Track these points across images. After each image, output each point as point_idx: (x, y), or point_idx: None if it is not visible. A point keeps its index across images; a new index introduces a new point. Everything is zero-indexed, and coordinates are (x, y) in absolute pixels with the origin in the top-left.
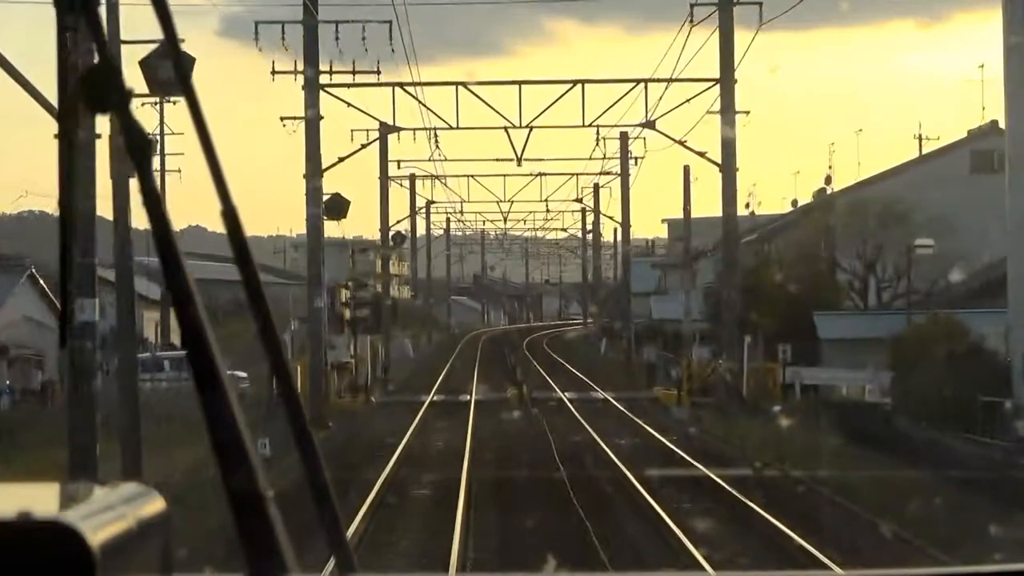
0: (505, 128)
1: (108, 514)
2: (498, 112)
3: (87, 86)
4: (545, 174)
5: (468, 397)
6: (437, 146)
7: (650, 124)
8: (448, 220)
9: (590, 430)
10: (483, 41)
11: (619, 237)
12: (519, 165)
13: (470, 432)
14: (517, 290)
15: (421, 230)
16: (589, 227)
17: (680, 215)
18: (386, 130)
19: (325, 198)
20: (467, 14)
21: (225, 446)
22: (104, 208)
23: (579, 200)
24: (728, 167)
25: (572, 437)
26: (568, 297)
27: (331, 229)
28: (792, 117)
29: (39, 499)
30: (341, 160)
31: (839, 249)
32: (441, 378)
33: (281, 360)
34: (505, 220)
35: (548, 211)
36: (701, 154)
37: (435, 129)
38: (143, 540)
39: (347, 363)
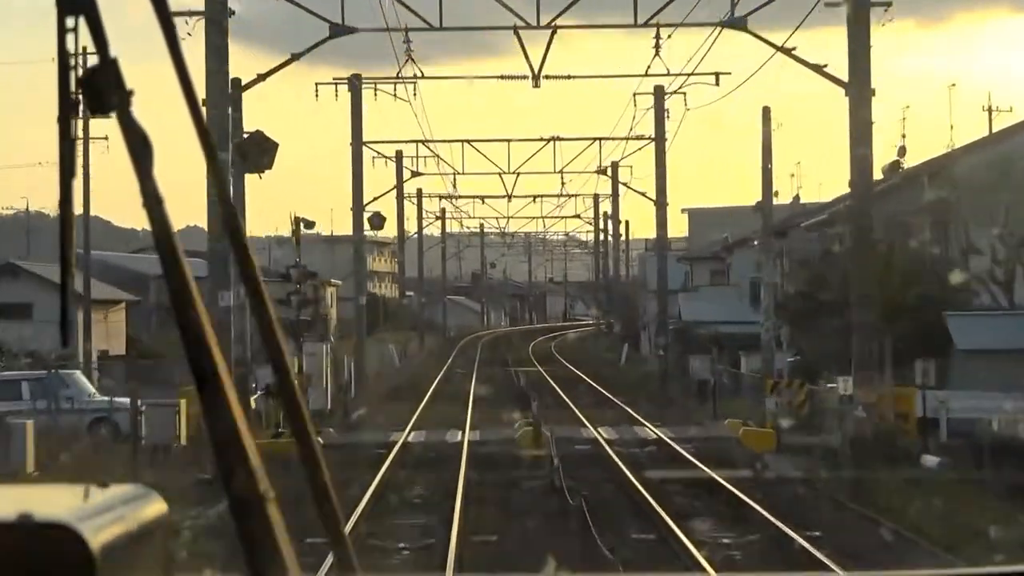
0: (515, 28)
1: (108, 516)
2: (504, 4)
3: (88, 87)
4: (560, 138)
5: (459, 435)
6: (410, 56)
7: (738, 22)
8: (443, 211)
9: (669, 523)
10: (481, 41)
11: (630, 233)
12: (536, 85)
13: (456, 527)
14: (519, 289)
15: (413, 228)
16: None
17: (703, 204)
18: (336, 32)
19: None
20: (466, 13)
21: (225, 447)
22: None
23: (602, 172)
24: (859, 83)
25: (641, 535)
26: (574, 297)
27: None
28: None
29: (39, 500)
30: (262, 78)
31: (953, 227)
32: (427, 399)
33: (283, 361)
34: (509, 199)
35: (563, 185)
36: (818, 68)
37: (408, 31)
38: (143, 542)
39: None
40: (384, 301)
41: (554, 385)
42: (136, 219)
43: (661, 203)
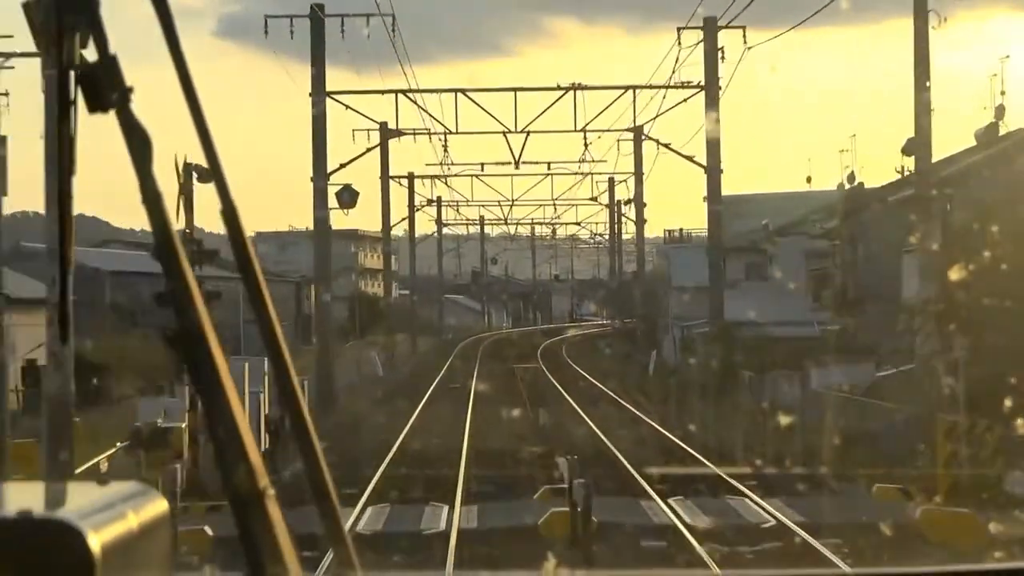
0: None
1: (109, 513)
2: None
3: (87, 85)
4: (583, 87)
5: (443, 519)
6: None
7: None
8: (439, 199)
9: None
10: (483, 41)
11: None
12: None
13: None
14: (522, 287)
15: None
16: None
17: (727, 191)
18: None
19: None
20: (466, 13)
21: (226, 445)
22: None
23: (637, 129)
24: None
25: None
26: (580, 295)
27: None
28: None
29: (40, 497)
30: None
31: None
32: (405, 434)
33: (282, 359)
34: (517, 165)
35: (586, 148)
36: None
37: None
38: (144, 539)
39: (171, 430)
40: (375, 300)
41: (577, 408)
42: (136, 219)
43: (714, 168)
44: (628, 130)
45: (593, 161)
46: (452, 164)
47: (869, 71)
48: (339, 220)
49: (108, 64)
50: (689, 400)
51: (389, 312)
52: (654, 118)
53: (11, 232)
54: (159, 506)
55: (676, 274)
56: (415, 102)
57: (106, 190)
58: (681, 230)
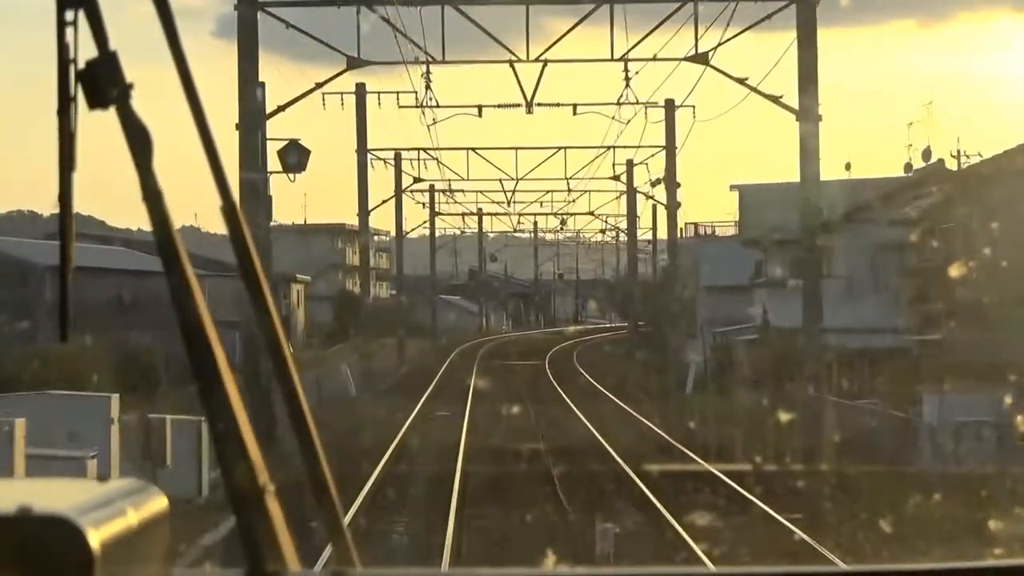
0: None
1: (108, 509)
2: None
3: (87, 81)
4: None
5: None
6: None
7: None
8: (432, 188)
9: None
10: (481, 40)
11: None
12: None
13: None
14: (523, 287)
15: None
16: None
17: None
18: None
19: None
20: (465, 12)
21: (226, 441)
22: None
23: (699, 58)
24: None
25: None
26: (584, 296)
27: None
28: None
29: (39, 494)
30: None
31: None
32: (358, 509)
33: (282, 356)
34: (529, 108)
35: (627, 83)
36: None
37: None
38: (143, 535)
39: None
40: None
41: (608, 446)
42: (133, 218)
43: (810, 108)
44: (687, 59)
45: (637, 103)
46: (438, 106)
47: (869, 72)
48: (326, 214)
49: (108, 61)
50: (748, 430)
51: (372, 314)
52: (718, 45)
53: (8, 230)
54: (159, 503)
55: (706, 272)
56: (385, 19)
57: (103, 189)
58: (696, 224)
